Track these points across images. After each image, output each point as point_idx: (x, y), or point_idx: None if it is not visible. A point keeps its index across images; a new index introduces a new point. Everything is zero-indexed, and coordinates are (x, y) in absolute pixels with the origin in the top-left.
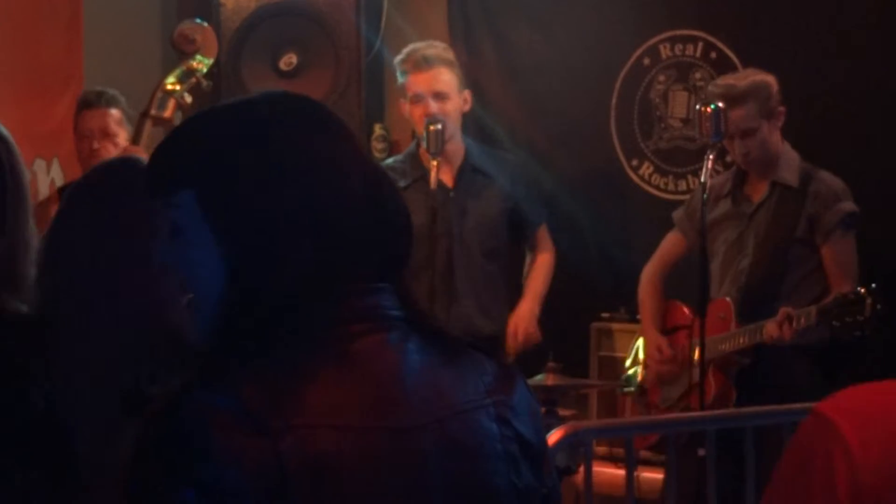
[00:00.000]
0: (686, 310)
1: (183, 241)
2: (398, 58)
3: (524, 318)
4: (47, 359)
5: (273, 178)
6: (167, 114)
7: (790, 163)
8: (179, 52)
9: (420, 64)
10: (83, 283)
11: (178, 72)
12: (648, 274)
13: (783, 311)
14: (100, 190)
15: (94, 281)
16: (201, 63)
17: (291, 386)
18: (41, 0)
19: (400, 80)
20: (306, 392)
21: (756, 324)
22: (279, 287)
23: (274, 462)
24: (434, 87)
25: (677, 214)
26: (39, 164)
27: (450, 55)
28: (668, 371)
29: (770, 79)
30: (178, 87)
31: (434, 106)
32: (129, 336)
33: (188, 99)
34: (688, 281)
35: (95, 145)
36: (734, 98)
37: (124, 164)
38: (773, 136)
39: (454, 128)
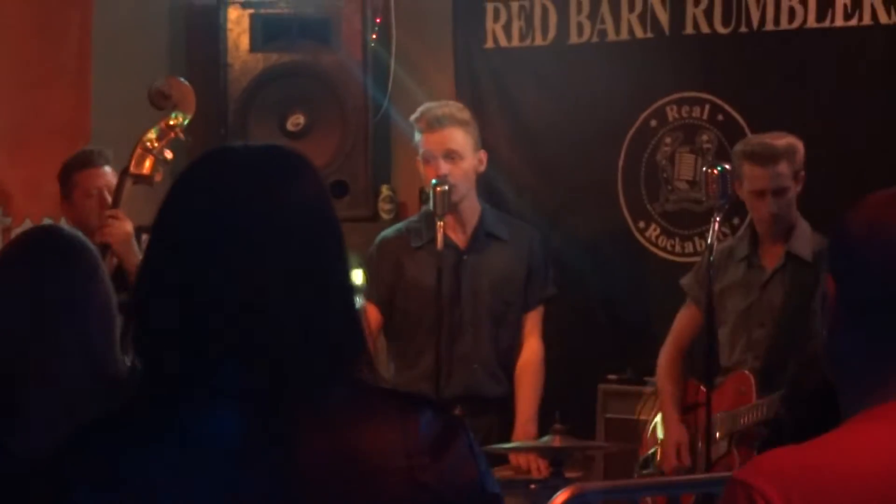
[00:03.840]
0: (702, 387)
1: None
2: (413, 116)
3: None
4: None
5: None
6: (145, 171)
7: (804, 234)
8: (156, 108)
9: (432, 124)
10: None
11: (155, 129)
12: (666, 357)
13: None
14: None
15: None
16: (178, 119)
17: None
18: (49, 57)
19: (416, 138)
20: None
21: (771, 396)
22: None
23: None
24: (445, 147)
25: (686, 282)
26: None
27: (465, 115)
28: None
29: (799, 144)
30: (156, 144)
31: (444, 167)
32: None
33: (169, 155)
34: (696, 351)
35: (109, 200)
36: (772, 155)
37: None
38: (794, 200)
39: (467, 188)
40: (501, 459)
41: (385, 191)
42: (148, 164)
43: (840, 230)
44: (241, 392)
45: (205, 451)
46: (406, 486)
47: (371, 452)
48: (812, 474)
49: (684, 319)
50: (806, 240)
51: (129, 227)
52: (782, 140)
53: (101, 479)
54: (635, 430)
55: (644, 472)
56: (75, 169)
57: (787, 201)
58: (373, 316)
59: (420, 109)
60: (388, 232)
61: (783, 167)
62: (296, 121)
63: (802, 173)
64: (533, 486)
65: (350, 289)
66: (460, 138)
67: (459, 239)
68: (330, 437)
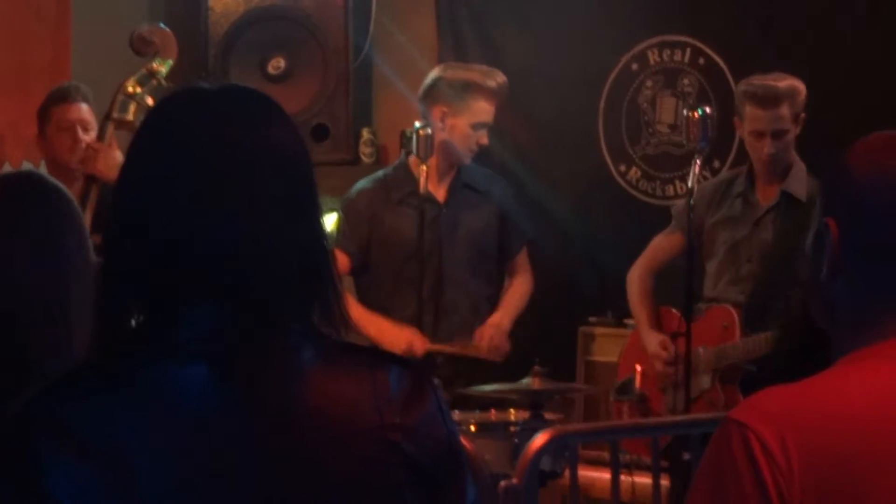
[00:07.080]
0: (679, 316)
1: None
2: (488, 78)
3: (494, 326)
4: None
5: None
6: (129, 117)
7: (799, 174)
8: (138, 54)
9: (499, 94)
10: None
11: (137, 75)
12: (638, 276)
13: None
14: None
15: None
16: (161, 65)
17: None
18: (29, 2)
19: (463, 93)
20: None
21: (765, 334)
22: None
23: None
24: (493, 119)
25: (677, 209)
26: (27, 167)
27: None
28: (671, 373)
29: (801, 86)
30: (138, 90)
31: (486, 138)
32: None
33: (150, 101)
34: (674, 281)
35: (81, 136)
36: (774, 97)
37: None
38: (793, 141)
39: None
40: (483, 404)
41: (366, 134)
42: (131, 109)
43: (841, 173)
44: (210, 348)
45: (173, 411)
46: (377, 445)
47: (343, 411)
48: (806, 414)
49: (664, 242)
50: (801, 180)
51: (118, 155)
52: (784, 82)
53: (70, 445)
54: (615, 373)
55: (622, 397)
56: (51, 103)
57: (785, 143)
58: (342, 262)
59: (495, 74)
60: (365, 183)
61: (784, 109)
62: (276, 64)
63: (803, 115)
64: (512, 429)
65: (323, 234)
66: None
67: (438, 193)
68: (301, 394)
